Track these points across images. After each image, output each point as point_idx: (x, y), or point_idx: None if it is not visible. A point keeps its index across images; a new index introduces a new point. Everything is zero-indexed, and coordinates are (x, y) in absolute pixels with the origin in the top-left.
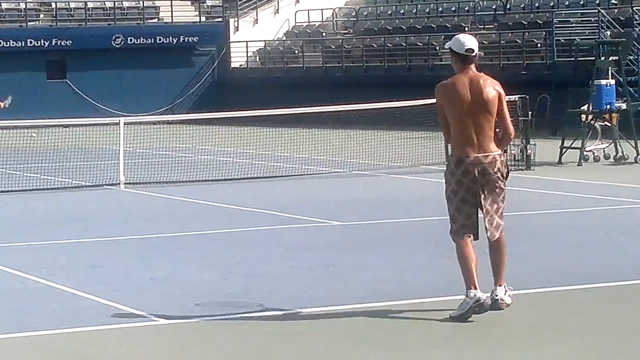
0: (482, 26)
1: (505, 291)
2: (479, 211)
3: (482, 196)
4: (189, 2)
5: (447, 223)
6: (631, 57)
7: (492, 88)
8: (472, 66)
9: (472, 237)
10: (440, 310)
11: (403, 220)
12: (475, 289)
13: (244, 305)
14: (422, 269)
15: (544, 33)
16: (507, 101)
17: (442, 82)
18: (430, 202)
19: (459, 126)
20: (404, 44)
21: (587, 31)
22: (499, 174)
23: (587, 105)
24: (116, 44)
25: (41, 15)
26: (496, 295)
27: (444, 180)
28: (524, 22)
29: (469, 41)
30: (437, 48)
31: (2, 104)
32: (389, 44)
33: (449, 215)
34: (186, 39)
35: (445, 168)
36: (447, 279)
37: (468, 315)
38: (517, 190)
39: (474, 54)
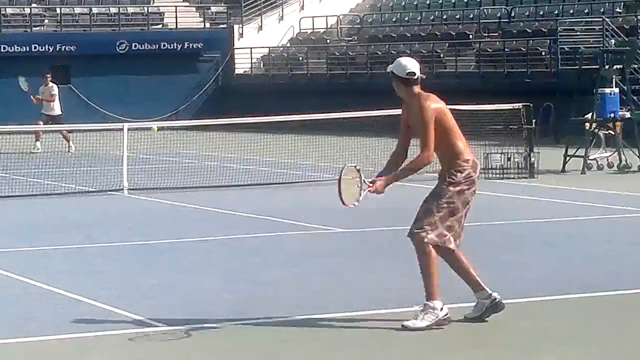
0: (486, 34)
1: None
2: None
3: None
4: (194, 9)
5: None
6: (635, 66)
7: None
8: (417, 88)
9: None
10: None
11: (407, 228)
12: (438, 299)
13: (248, 312)
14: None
15: (549, 41)
16: (511, 108)
17: (428, 101)
18: None
19: (460, 135)
20: (409, 51)
21: (592, 39)
22: None
23: (591, 114)
24: (120, 50)
25: (46, 21)
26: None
27: (452, 189)
28: (529, 30)
29: (410, 64)
30: (442, 56)
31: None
32: (393, 51)
33: (441, 221)
34: (190, 45)
35: (452, 176)
36: (451, 285)
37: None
38: (520, 198)
39: (415, 77)
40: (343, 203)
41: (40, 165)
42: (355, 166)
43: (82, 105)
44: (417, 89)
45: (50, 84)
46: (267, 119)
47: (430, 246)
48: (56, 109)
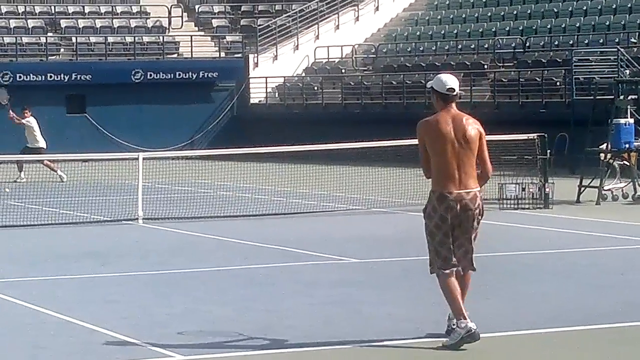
0: (501, 64)
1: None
2: (456, 245)
3: (460, 230)
4: (209, 38)
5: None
6: None
7: (473, 127)
8: (454, 105)
9: (455, 269)
10: (458, 350)
11: (420, 258)
12: (465, 319)
13: (261, 342)
14: (439, 306)
15: (563, 71)
16: (525, 139)
17: (425, 119)
18: None
19: (441, 163)
20: (423, 81)
21: (607, 70)
22: (477, 210)
23: (605, 144)
24: (136, 79)
25: (61, 50)
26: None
27: (425, 220)
28: (543, 60)
29: (450, 80)
30: None
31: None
32: (408, 81)
33: (431, 251)
34: (206, 74)
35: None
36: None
37: (460, 345)
38: (535, 228)
39: (454, 93)
40: None
41: (55, 194)
42: None
43: (97, 134)
44: (453, 106)
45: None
46: (282, 149)
47: (440, 276)
48: (40, 141)
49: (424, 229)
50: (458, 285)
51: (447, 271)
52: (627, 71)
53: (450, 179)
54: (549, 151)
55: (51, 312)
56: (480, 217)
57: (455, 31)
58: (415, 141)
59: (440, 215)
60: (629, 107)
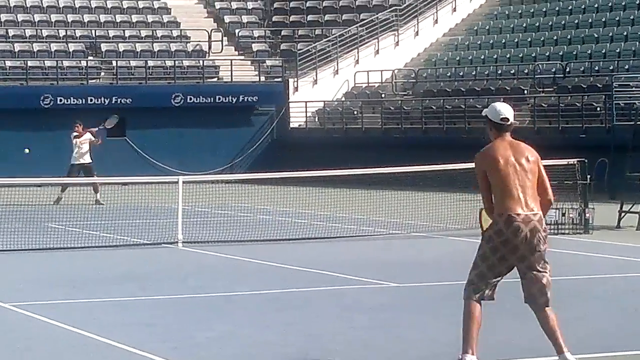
0: (541, 89)
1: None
2: (522, 275)
3: (532, 258)
4: (249, 62)
5: (508, 286)
6: None
7: (532, 152)
8: (508, 134)
9: (485, 299)
10: None
11: (460, 283)
12: (473, 354)
13: None
14: (481, 332)
15: (604, 96)
16: (565, 164)
17: (481, 151)
18: None
19: (506, 187)
20: (463, 106)
21: None
22: (545, 234)
23: None
24: (176, 103)
25: (102, 73)
26: None
27: (485, 245)
28: (583, 86)
29: (504, 109)
30: None
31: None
32: (448, 106)
33: (474, 273)
34: (246, 98)
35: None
36: (506, 341)
37: None
38: (575, 253)
39: (509, 122)
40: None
41: (95, 217)
42: None
43: (137, 158)
44: (508, 136)
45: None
46: (321, 173)
47: (467, 301)
48: (86, 157)
49: (477, 252)
50: (480, 319)
51: (476, 300)
52: None
53: (517, 201)
54: (589, 176)
55: (91, 335)
56: (546, 241)
57: (495, 56)
58: (455, 166)
59: (504, 240)
60: None
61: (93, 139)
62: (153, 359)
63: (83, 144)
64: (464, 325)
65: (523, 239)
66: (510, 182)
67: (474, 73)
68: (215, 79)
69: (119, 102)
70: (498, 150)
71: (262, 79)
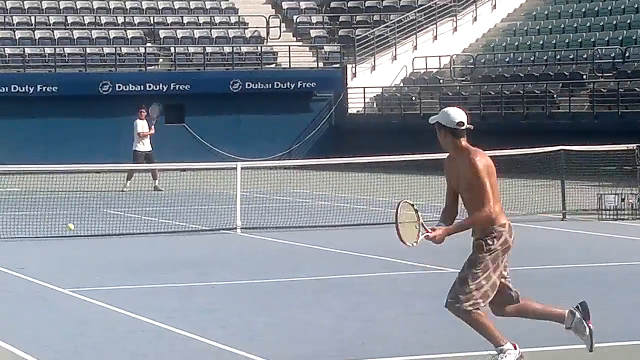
0: (600, 74)
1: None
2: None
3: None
4: (307, 48)
5: (573, 271)
6: None
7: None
8: (465, 140)
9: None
10: None
11: (521, 268)
12: (506, 342)
13: (358, 352)
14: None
15: None
16: (625, 149)
17: (479, 150)
18: (547, 251)
19: (497, 194)
20: (522, 92)
21: None
22: None
23: None
24: (234, 89)
25: (160, 60)
26: None
27: (488, 257)
28: None
29: (458, 114)
30: (555, 96)
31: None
32: (506, 92)
33: (478, 294)
34: (304, 84)
35: (488, 245)
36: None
37: None
38: (635, 239)
39: (464, 127)
40: (401, 240)
41: (153, 203)
42: (413, 205)
43: (196, 144)
44: (464, 141)
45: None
46: (379, 159)
47: (469, 313)
48: (147, 144)
49: (477, 266)
50: (487, 317)
51: (481, 306)
52: None
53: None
54: None
55: (149, 321)
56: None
57: (553, 41)
58: (515, 151)
59: (506, 248)
60: None
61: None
62: (212, 345)
63: (143, 131)
64: (481, 332)
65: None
66: (498, 192)
67: (532, 58)
68: (273, 65)
69: (177, 88)
70: (486, 156)
71: (320, 65)
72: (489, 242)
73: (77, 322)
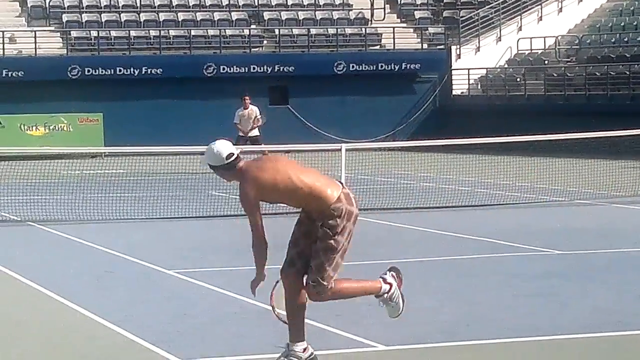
0: None
1: None
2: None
3: None
4: (411, 30)
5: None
6: None
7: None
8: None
9: None
10: None
11: (626, 250)
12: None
13: (461, 333)
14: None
15: None
16: None
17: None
18: None
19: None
20: (628, 72)
21: None
22: None
23: None
24: (338, 71)
25: (264, 42)
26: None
27: (337, 238)
28: None
29: (223, 147)
30: None
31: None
32: (611, 72)
33: (334, 264)
34: (408, 66)
35: (330, 226)
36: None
37: None
38: None
39: (235, 156)
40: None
41: None
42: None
43: (300, 126)
44: (241, 164)
45: (251, 107)
46: (484, 140)
47: (305, 295)
48: (255, 130)
49: (328, 252)
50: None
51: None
52: None
53: None
54: None
55: (253, 302)
56: None
57: None
58: (620, 133)
59: (353, 221)
60: None
61: (259, 116)
62: (315, 326)
63: (249, 119)
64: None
65: None
66: (312, 175)
67: (638, 38)
68: (378, 47)
69: (281, 70)
70: (260, 168)
71: (425, 46)
72: (331, 223)
73: (181, 304)
